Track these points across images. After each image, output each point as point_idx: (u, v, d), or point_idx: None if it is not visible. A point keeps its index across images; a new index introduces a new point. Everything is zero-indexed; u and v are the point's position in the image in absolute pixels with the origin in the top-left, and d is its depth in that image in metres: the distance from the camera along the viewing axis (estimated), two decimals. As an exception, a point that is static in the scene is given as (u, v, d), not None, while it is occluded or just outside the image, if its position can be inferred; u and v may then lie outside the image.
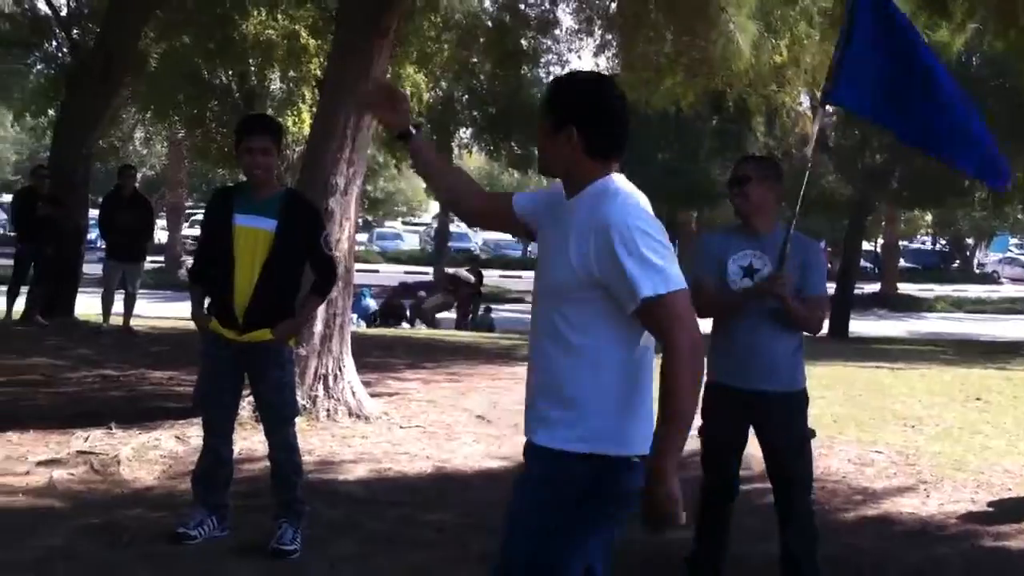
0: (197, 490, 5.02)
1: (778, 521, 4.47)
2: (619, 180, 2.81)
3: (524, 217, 3.07)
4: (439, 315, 22.11)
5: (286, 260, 4.80)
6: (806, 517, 4.43)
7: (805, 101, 22.98)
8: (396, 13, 7.49)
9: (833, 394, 9.76)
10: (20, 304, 12.62)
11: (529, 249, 49.69)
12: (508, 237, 53.21)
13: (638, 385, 2.74)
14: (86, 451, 6.33)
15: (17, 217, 12.61)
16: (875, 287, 36.74)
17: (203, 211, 5.27)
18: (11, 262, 12.96)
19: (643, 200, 2.82)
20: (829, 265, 44.27)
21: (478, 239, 49.34)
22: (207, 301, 4.94)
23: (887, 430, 8.28)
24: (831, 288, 26.86)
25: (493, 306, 23.40)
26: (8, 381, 8.72)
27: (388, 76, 13.90)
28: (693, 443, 5.95)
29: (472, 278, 23.22)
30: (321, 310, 7.29)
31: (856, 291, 23.58)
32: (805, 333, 4.42)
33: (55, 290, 12.73)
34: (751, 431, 4.45)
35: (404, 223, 55.27)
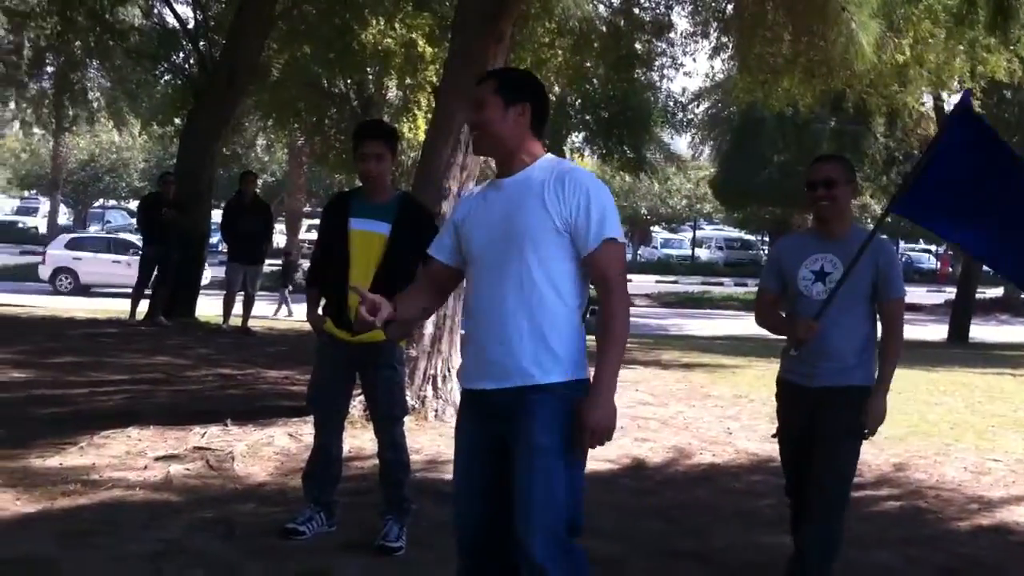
0: (307, 487, 5.12)
1: (804, 512, 4.29)
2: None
3: (453, 259, 3.43)
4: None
5: (399, 262, 4.85)
6: (835, 518, 4.19)
7: (928, 101, 22.37)
8: (511, 19, 7.54)
9: (951, 400, 9.47)
10: (144, 305, 13.07)
11: (640, 253, 49.49)
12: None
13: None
14: (202, 447, 6.52)
15: (144, 221, 13.08)
16: (998, 291, 35.52)
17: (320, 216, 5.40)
18: (137, 265, 13.47)
19: None
20: (951, 269, 43.09)
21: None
22: (323, 303, 5.05)
23: (1007, 438, 8.01)
24: (952, 293, 26.13)
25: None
26: (131, 379, 9.04)
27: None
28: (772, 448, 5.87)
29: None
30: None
31: (978, 295, 22.81)
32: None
33: (178, 292, 13.15)
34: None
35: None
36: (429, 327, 7.41)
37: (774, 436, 4.56)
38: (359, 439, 6.57)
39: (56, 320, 13.72)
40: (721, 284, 39.38)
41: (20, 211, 51.17)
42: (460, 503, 3.36)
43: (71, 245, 27.62)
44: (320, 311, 5.03)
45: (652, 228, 53.81)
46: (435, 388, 7.48)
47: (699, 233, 52.94)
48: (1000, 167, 4.35)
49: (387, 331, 4.78)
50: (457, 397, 7.48)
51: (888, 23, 10.64)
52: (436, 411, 7.42)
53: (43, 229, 41.59)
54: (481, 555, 3.32)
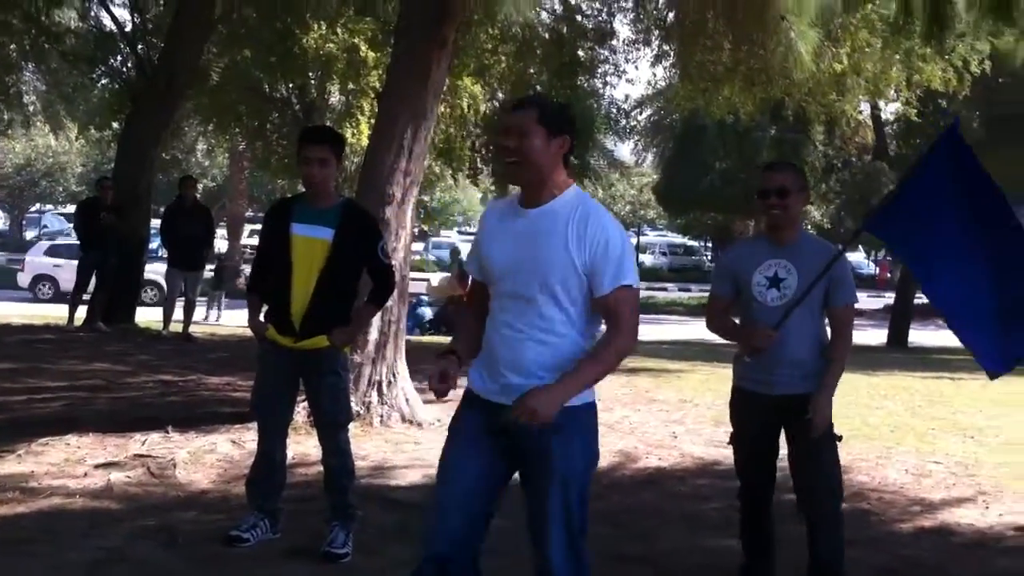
0: (250, 494, 5.08)
1: (807, 527, 4.40)
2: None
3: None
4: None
5: (343, 269, 4.84)
6: (835, 524, 4.35)
7: (866, 109, 22.74)
8: (454, 24, 7.54)
9: (892, 404, 9.64)
10: (82, 311, 12.87)
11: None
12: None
13: None
14: (143, 454, 6.43)
15: (81, 226, 12.89)
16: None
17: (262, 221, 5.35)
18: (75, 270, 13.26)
19: None
20: (889, 275, 43.80)
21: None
22: (264, 309, 5.01)
23: (947, 440, 8.15)
24: (891, 298, 26.57)
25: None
26: (69, 386, 8.90)
27: (446, 86, 14.05)
28: (726, 453, 5.93)
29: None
30: (376, 318, 7.34)
31: (916, 300, 23.25)
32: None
33: (117, 297, 12.96)
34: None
35: (460, 233, 55.54)
36: (374, 333, 7.39)
37: (729, 443, 4.61)
38: (303, 445, 6.52)
39: (-9, 327, 13.46)
40: (665, 289, 39.69)
41: (-47, 216, 50.26)
42: (445, 492, 3.42)
43: (51, 252, 27.39)
44: (262, 317, 4.98)
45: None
46: (380, 394, 7.45)
47: (643, 239, 53.30)
48: (980, 201, 4.30)
49: (332, 337, 4.80)
50: (402, 403, 7.52)
51: (826, 32, 10.81)
52: (381, 417, 7.40)
53: (-23, 234, 40.79)
54: (453, 546, 3.36)
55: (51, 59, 18.87)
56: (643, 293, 33.25)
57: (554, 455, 3.25)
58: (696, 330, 24.54)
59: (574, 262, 3.22)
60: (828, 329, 4.39)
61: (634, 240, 51.92)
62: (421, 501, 5.87)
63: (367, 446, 6.88)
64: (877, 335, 24.18)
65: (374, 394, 7.41)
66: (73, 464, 6.21)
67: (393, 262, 7.32)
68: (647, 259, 48.77)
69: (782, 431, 4.40)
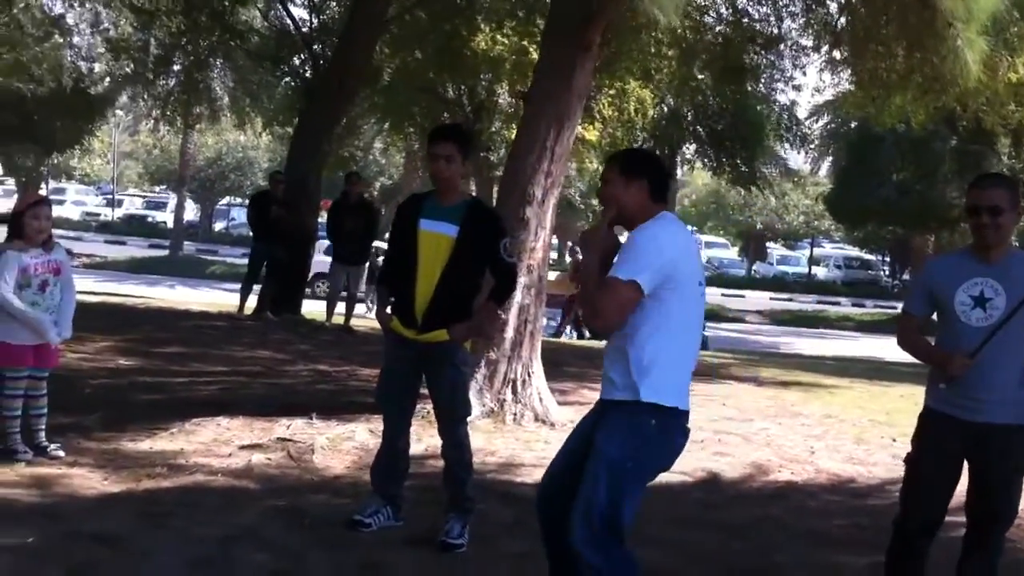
0: (374, 481, 5.27)
1: (961, 551, 4.25)
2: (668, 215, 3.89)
3: None
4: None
5: (465, 265, 4.96)
6: (993, 554, 4.20)
7: (1059, 121, 21.56)
8: (599, 28, 7.59)
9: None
10: (252, 300, 13.48)
11: (755, 269, 48.84)
12: (733, 255, 52.55)
13: None
14: (286, 439, 6.74)
15: (253, 219, 13.48)
16: None
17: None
18: (247, 261, 13.91)
19: (675, 227, 3.87)
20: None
21: (702, 256, 48.66)
22: (391, 301, 5.18)
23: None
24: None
25: (711, 324, 23.09)
26: (231, 371, 9.37)
27: (592, 90, 14.09)
28: (893, 471, 5.75)
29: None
30: (513, 316, 7.49)
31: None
32: None
33: (284, 289, 13.52)
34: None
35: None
36: (510, 331, 7.52)
37: (904, 461, 4.33)
38: (436, 438, 6.68)
39: (170, 311, 14.26)
40: (838, 304, 38.55)
41: (150, 205, 53.24)
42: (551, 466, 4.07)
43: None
44: (388, 309, 5.15)
45: (768, 244, 52.98)
46: (514, 392, 7.57)
47: (817, 251, 51.91)
48: None
49: (451, 332, 4.94)
50: (535, 402, 7.64)
51: (1000, 41, 10.32)
52: (515, 415, 7.51)
53: (170, 224, 43.14)
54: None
55: (237, 57, 19.91)
56: (813, 306, 32.38)
57: (599, 437, 3.71)
58: (865, 346, 23.81)
59: None
60: None
61: (807, 251, 50.72)
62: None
63: (497, 442, 7.01)
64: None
65: (508, 392, 7.53)
66: (220, 444, 6.56)
67: (531, 261, 7.52)
68: (820, 271, 47.49)
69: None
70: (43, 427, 5.96)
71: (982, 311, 4.03)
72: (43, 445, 5.90)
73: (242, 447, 6.51)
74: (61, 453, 5.91)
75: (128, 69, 21.04)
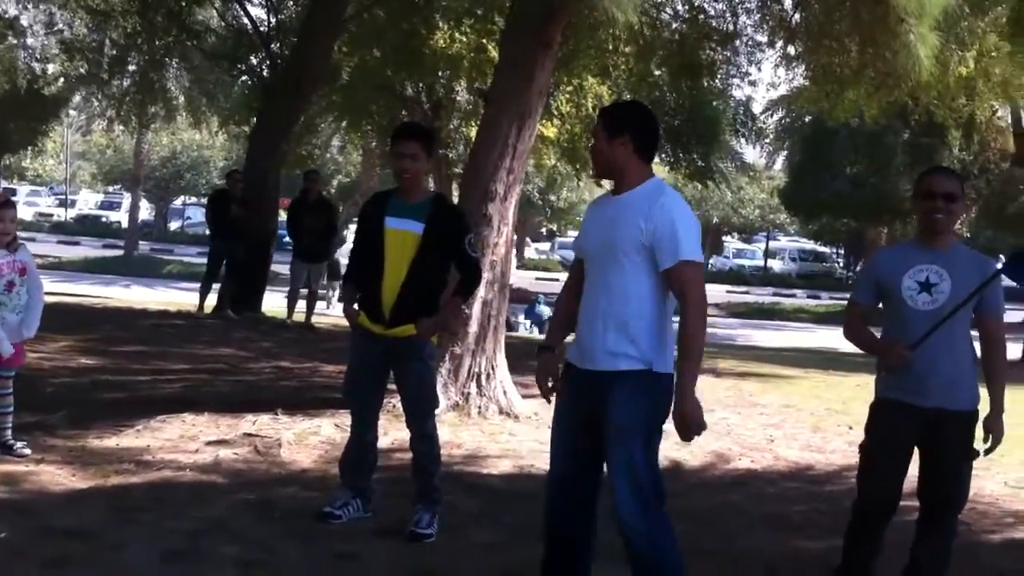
0: (343, 473, 5.34)
1: (915, 534, 4.39)
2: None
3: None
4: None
5: (431, 261, 5.03)
6: (947, 537, 4.35)
7: (1007, 114, 21.96)
8: (559, 26, 7.68)
9: (1007, 417, 9.36)
10: (212, 299, 13.45)
11: (712, 263, 49.23)
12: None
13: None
14: (252, 434, 6.78)
15: (211, 217, 13.46)
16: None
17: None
18: (206, 259, 13.87)
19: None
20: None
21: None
22: (358, 297, 5.25)
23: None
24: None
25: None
26: (193, 368, 9.37)
27: (551, 87, 14.19)
28: (849, 458, 5.92)
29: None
30: (476, 311, 7.57)
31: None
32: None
33: (244, 287, 13.50)
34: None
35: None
36: (474, 326, 7.60)
37: (859, 450, 4.48)
38: (404, 432, 6.73)
39: (129, 311, 14.18)
40: (794, 296, 39.05)
41: (104, 205, 52.77)
42: (553, 446, 4.02)
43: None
44: (356, 305, 5.22)
45: (724, 238, 53.45)
46: (479, 386, 7.66)
47: (773, 244, 52.47)
48: None
49: (419, 327, 5.02)
50: (500, 395, 7.73)
51: (952, 36, 10.55)
52: (479, 408, 7.60)
53: (125, 224, 42.75)
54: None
55: (193, 56, 19.80)
56: (769, 299, 32.81)
57: (613, 409, 3.72)
58: (821, 338, 24.14)
59: (641, 238, 3.72)
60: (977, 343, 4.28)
61: (763, 245, 51.21)
62: (507, 489, 6.08)
63: (463, 435, 7.10)
64: (1012, 348, 23.33)
65: (473, 385, 7.62)
66: (187, 440, 6.59)
67: (494, 256, 7.61)
68: (776, 264, 48.00)
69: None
70: (9, 425, 5.96)
71: (928, 295, 4.17)
72: (9, 443, 5.90)
73: (209, 443, 6.55)
74: (27, 451, 5.92)
75: (82, 70, 20.85)
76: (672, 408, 3.71)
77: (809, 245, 49.53)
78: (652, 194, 3.79)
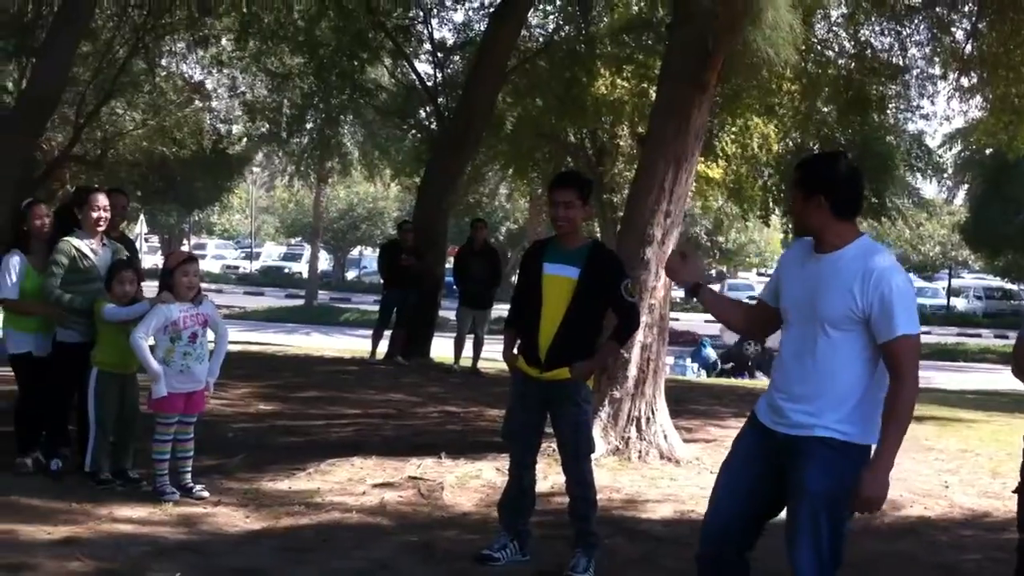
0: (502, 516, 5.43)
1: None
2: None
3: (773, 304, 3.93)
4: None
5: (587, 305, 5.12)
6: None
7: None
8: (715, 68, 7.68)
9: None
10: (384, 345, 13.86)
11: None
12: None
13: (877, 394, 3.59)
14: (416, 477, 6.97)
15: (383, 267, 13.92)
16: None
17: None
18: (378, 307, 14.32)
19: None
20: None
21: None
22: (518, 342, 5.37)
23: None
24: None
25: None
26: (364, 413, 9.68)
27: (715, 127, 14.13)
28: (1008, 507, 5.65)
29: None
30: (635, 355, 7.58)
31: None
32: None
33: (414, 333, 13.87)
34: None
35: (759, 274, 54.54)
36: (633, 369, 7.61)
37: (1015, 491, 4.29)
38: (562, 475, 6.79)
39: (306, 358, 14.76)
40: (979, 336, 37.25)
41: (286, 257, 55.08)
42: (720, 501, 3.87)
43: None
44: (515, 350, 5.33)
45: (904, 276, 51.59)
46: (639, 430, 7.64)
47: (956, 282, 50.32)
48: None
49: (573, 370, 5.09)
50: (660, 440, 7.70)
51: None
52: (639, 452, 7.57)
53: (305, 274, 44.48)
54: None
55: (366, 113, 20.63)
56: (953, 339, 31.34)
57: (806, 477, 3.59)
58: (1008, 379, 22.77)
59: (853, 309, 3.55)
60: None
61: (945, 282, 49.14)
62: (667, 534, 6.03)
63: (623, 479, 7.09)
64: None
65: (633, 430, 7.61)
66: (354, 483, 6.82)
67: (653, 300, 7.62)
68: (959, 303, 45.97)
69: None
70: (189, 469, 6.29)
71: None
72: (188, 486, 6.22)
73: (375, 485, 6.75)
74: (206, 494, 6.23)
75: (264, 129, 22.00)
76: (859, 481, 3.50)
77: (995, 282, 47.25)
78: (863, 259, 3.57)
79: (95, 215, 6.42)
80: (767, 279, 4.22)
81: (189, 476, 6.27)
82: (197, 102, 22.48)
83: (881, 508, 3.60)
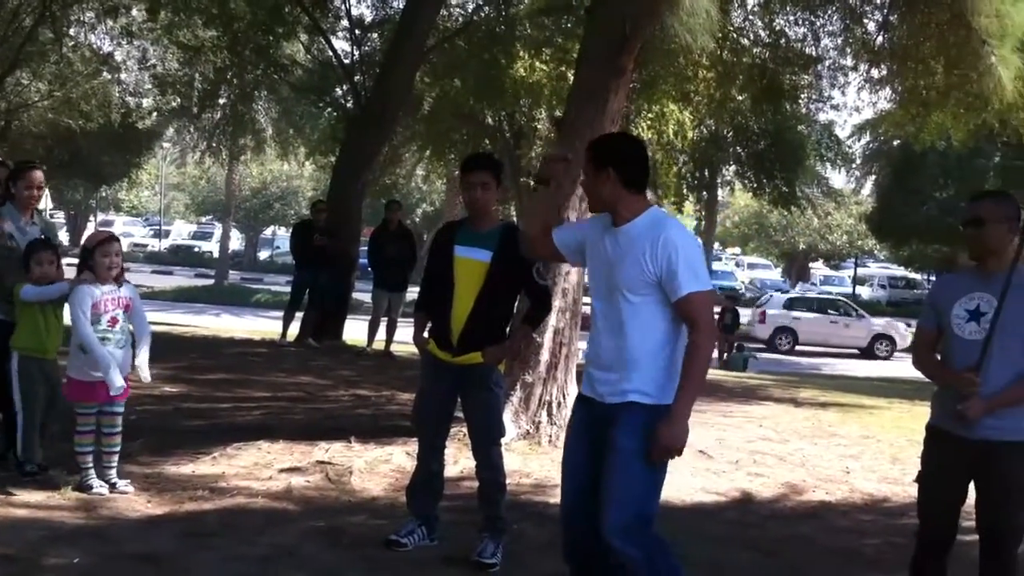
0: (410, 501, 5.37)
1: (979, 566, 4.26)
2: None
3: (562, 248, 4.23)
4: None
5: (499, 289, 5.07)
6: (1009, 569, 4.21)
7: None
8: (631, 53, 7.66)
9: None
10: (295, 327, 13.67)
11: (797, 290, 48.52)
12: (777, 276, 52.18)
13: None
14: (324, 461, 6.87)
15: (295, 247, 13.70)
16: None
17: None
18: (290, 288, 14.10)
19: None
20: None
21: (744, 277, 48.47)
22: (428, 326, 5.30)
23: None
24: None
25: (753, 346, 23.02)
26: (273, 397, 9.52)
27: (631, 114, 14.17)
28: (908, 492, 5.79)
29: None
30: (548, 339, 7.57)
31: None
32: None
33: (326, 315, 13.69)
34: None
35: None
36: (545, 354, 7.60)
37: (915, 481, 4.42)
38: (472, 460, 6.76)
39: (215, 340, 14.48)
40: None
41: (196, 236, 54.11)
42: (564, 480, 4.07)
43: (788, 305, 28.55)
44: (426, 333, 5.27)
45: (811, 264, 52.63)
46: (550, 414, 7.63)
47: (861, 270, 51.49)
48: None
49: (485, 354, 5.04)
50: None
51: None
52: (550, 437, 7.56)
53: (216, 254, 43.75)
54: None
55: (281, 89, 20.28)
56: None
57: (617, 437, 3.78)
58: (909, 367, 23.34)
59: (647, 275, 3.78)
60: None
61: (851, 272, 50.24)
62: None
63: (533, 464, 7.08)
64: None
65: (544, 414, 7.60)
66: (261, 468, 6.70)
67: (567, 284, 7.61)
68: (865, 291, 47.04)
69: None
70: (115, 464, 5.96)
71: (976, 325, 4.09)
72: (113, 482, 5.92)
73: (282, 470, 6.64)
74: (131, 489, 5.93)
75: (175, 103, 21.49)
76: (657, 430, 3.72)
77: (900, 272, 48.51)
78: (652, 228, 3.81)
79: (28, 193, 6.18)
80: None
81: (114, 472, 5.97)
82: (106, 74, 21.89)
83: (681, 455, 3.77)
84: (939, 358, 4.33)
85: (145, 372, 5.83)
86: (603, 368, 3.90)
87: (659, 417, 3.75)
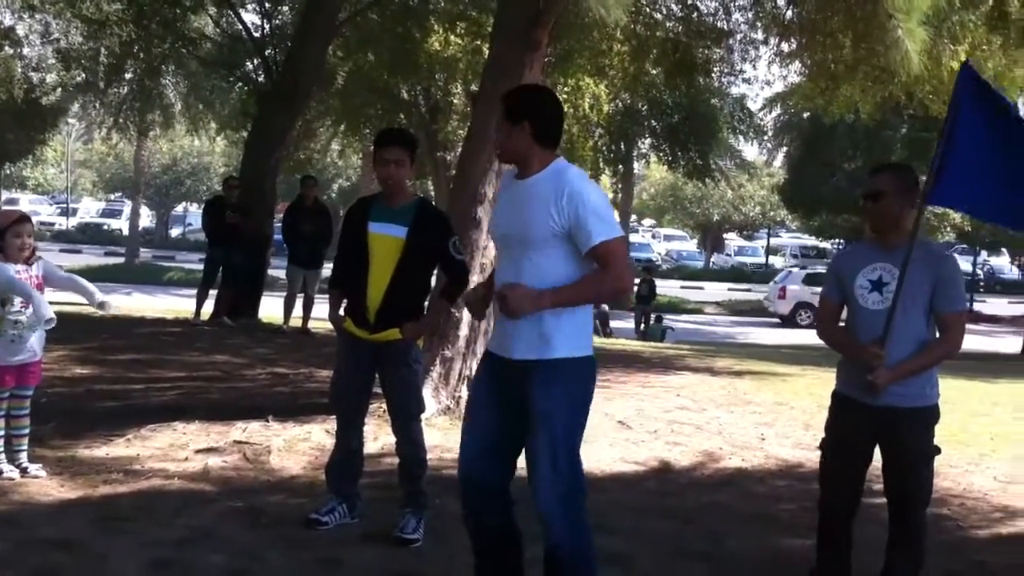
0: (329, 479, 5.34)
1: (888, 538, 4.38)
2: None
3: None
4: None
5: (415, 265, 5.04)
6: (916, 535, 4.33)
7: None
8: (546, 27, 7.66)
9: (1000, 412, 9.37)
10: (209, 306, 13.45)
11: (713, 261, 49.20)
12: (692, 247, 52.88)
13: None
14: (242, 441, 6.79)
15: (208, 224, 13.46)
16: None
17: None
18: (202, 266, 13.86)
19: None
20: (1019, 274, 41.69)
21: (660, 249, 48.99)
22: (344, 303, 5.25)
23: (1049, 449, 7.89)
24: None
25: (670, 316, 23.32)
26: (188, 376, 9.36)
27: (568, 87, 14.16)
28: (812, 456, 5.93)
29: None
30: (466, 314, 7.55)
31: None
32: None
33: (241, 293, 13.50)
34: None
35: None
36: (464, 328, 7.59)
37: (819, 447, 4.52)
38: (392, 437, 6.73)
39: (126, 319, 14.17)
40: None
41: (105, 213, 52.87)
42: (467, 439, 4.03)
43: (808, 280, 28.64)
44: (341, 311, 5.22)
45: (726, 235, 53.40)
46: (470, 389, 7.63)
47: (774, 241, 52.41)
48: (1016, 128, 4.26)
49: (403, 331, 5.02)
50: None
51: (944, 30, 10.52)
52: (471, 411, 7.57)
53: (126, 231, 42.83)
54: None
55: (190, 64, 19.84)
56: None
57: (535, 399, 3.75)
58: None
59: (554, 227, 3.72)
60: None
61: (764, 242, 51.12)
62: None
63: (453, 439, 7.03)
64: (1015, 342, 23.34)
65: (464, 389, 7.60)
66: (176, 449, 6.59)
67: (485, 259, 7.60)
68: (777, 261, 47.92)
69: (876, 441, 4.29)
70: (25, 448, 5.83)
71: (879, 295, 4.19)
72: (24, 466, 5.78)
73: (198, 451, 6.54)
74: (43, 474, 5.78)
75: (80, 78, 20.89)
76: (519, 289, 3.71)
77: (811, 241, 49.49)
78: (556, 178, 3.76)
79: None
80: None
81: (25, 455, 5.81)
82: (7, 48, 21.19)
83: (516, 317, 3.71)
84: (843, 325, 4.43)
85: (107, 300, 5.88)
86: (512, 325, 3.82)
87: (572, 371, 3.77)
